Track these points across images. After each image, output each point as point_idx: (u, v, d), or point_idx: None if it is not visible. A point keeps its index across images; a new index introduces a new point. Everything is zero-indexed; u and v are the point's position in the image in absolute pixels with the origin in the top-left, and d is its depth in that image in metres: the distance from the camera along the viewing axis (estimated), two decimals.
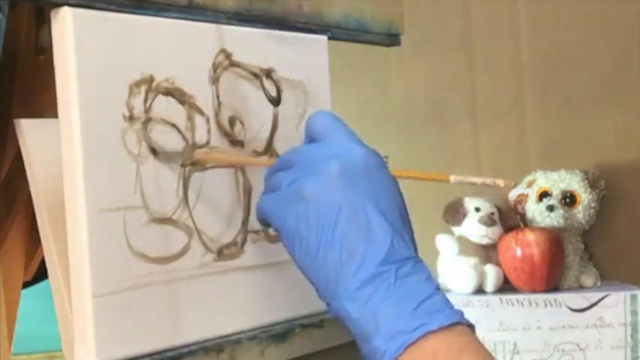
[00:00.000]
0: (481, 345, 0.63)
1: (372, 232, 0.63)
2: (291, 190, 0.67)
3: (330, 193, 0.64)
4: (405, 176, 0.69)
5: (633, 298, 1.19)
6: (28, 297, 0.99)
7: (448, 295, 0.65)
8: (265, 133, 0.82)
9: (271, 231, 0.80)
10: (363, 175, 0.65)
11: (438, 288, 0.64)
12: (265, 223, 0.72)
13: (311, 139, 0.71)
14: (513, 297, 1.20)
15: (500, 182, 0.69)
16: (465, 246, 1.24)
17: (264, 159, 0.74)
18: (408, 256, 0.64)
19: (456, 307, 0.64)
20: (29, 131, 0.74)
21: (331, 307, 0.66)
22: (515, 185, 0.74)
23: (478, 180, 0.71)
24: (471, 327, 0.64)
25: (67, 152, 0.67)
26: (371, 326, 0.62)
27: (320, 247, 0.64)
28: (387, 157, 1.42)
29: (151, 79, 0.72)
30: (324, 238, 0.64)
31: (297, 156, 0.69)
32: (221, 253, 0.77)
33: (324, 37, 0.89)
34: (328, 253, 0.64)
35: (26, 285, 0.97)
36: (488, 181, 0.70)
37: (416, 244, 0.66)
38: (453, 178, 0.70)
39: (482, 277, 1.23)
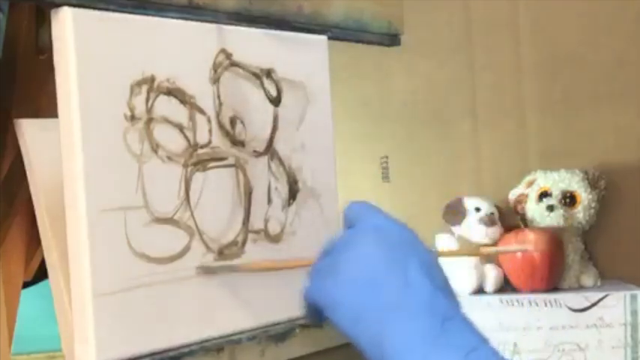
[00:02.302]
0: None
1: None
2: (330, 262, 0.64)
3: (367, 263, 0.63)
4: (441, 253, 0.68)
5: (633, 298, 1.19)
6: (28, 297, 0.99)
7: None
8: (266, 133, 0.82)
9: (271, 231, 0.80)
10: (398, 247, 0.64)
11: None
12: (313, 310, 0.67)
13: (349, 227, 0.68)
14: (513, 297, 1.20)
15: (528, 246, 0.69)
16: (465, 246, 1.24)
17: (306, 261, 0.70)
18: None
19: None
20: (29, 131, 0.74)
21: None
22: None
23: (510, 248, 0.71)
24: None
25: (67, 152, 0.67)
26: None
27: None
28: (386, 156, 1.43)
29: (152, 79, 0.72)
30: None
31: (336, 241, 0.66)
32: (221, 253, 0.77)
33: (324, 37, 0.89)
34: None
35: (26, 285, 0.96)
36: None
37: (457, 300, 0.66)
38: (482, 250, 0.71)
39: (482, 277, 1.23)
